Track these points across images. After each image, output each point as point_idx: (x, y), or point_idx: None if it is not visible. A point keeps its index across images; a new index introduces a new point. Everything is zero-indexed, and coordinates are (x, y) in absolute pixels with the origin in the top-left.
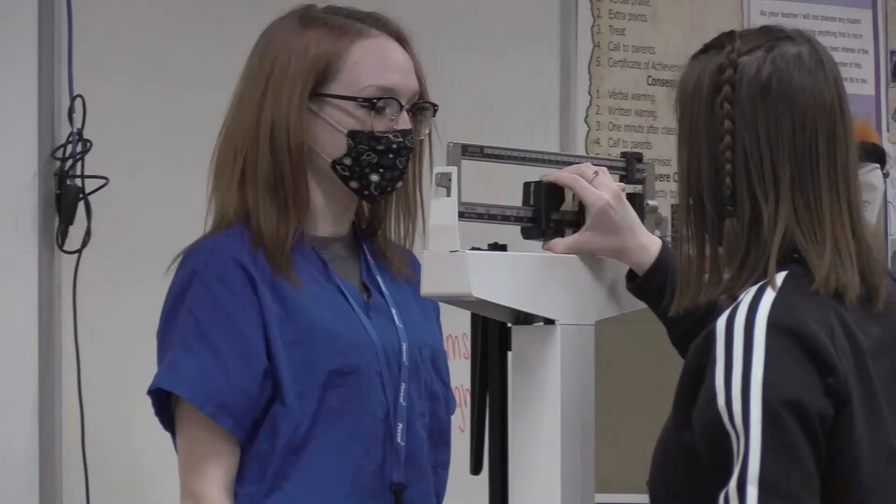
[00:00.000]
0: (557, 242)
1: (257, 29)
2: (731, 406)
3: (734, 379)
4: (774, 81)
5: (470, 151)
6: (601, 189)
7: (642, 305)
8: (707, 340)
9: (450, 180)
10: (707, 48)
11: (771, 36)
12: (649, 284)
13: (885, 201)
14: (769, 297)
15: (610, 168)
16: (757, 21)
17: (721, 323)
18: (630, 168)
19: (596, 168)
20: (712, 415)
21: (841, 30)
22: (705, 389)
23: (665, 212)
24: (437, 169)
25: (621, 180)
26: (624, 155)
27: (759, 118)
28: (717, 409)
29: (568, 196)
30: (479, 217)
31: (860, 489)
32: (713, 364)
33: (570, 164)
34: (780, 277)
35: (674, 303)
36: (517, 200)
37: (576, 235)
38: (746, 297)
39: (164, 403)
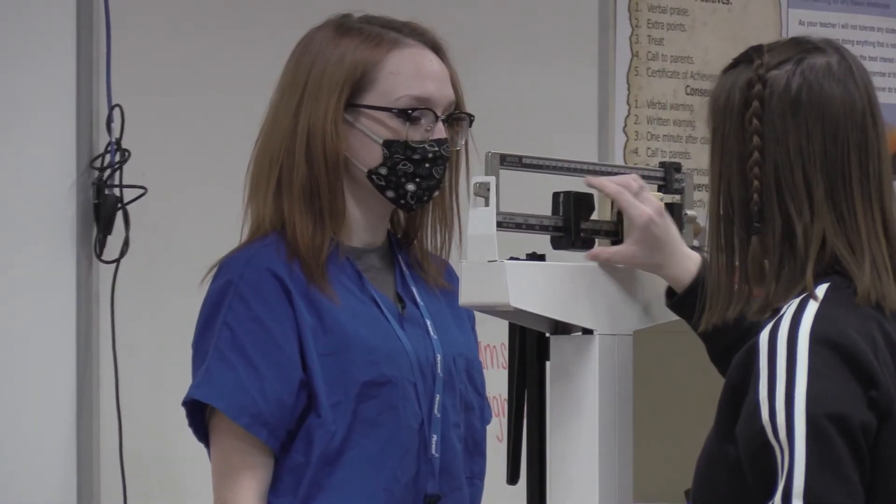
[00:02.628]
0: (601, 252)
1: (294, 37)
2: (774, 420)
3: (778, 392)
4: (804, 94)
5: (508, 161)
6: (645, 204)
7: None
8: (750, 354)
9: (488, 190)
10: (736, 62)
11: (799, 48)
12: (688, 301)
13: None
14: (812, 309)
15: (648, 178)
16: (795, 31)
17: (764, 336)
18: (668, 178)
19: (641, 183)
20: (756, 429)
21: (879, 39)
22: (748, 403)
23: (703, 222)
24: (476, 179)
25: (659, 190)
26: (662, 165)
27: (790, 132)
28: (761, 422)
29: (603, 205)
30: (518, 227)
31: None
32: (756, 378)
33: (608, 174)
34: (821, 290)
35: (703, 319)
36: (548, 209)
37: (619, 247)
38: (789, 311)
39: (199, 414)
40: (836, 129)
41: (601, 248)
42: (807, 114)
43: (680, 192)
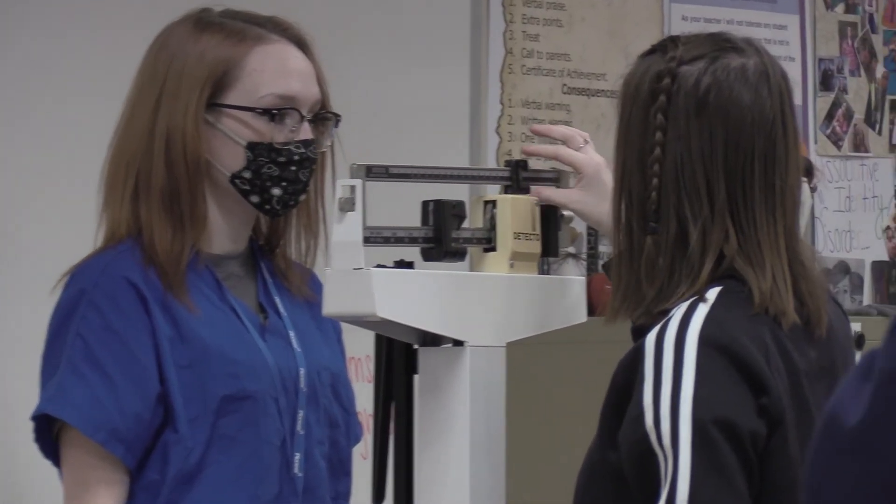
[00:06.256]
0: (545, 190)
1: (150, 33)
2: (659, 425)
3: (663, 397)
4: (712, 95)
5: (374, 172)
6: (592, 155)
7: (555, 326)
8: (635, 356)
9: (354, 194)
10: (654, 49)
11: (716, 45)
12: None
13: (813, 217)
14: (702, 312)
15: (495, 179)
16: (678, 26)
17: (651, 338)
18: (515, 177)
19: (586, 137)
20: (639, 434)
21: (767, 36)
22: (632, 407)
23: (581, 227)
24: (341, 182)
25: (507, 190)
26: (508, 164)
27: (692, 133)
28: (645, 428)
29: (475, 214)
30: (386, 241)
31: None
32: (641, 381)
33: (482, 178)
34: (713, 293)
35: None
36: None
37: (569, 190)
38: (678, 313)
39: (46, 429)
40: (740, 135)
41: (548, 188)
42: (711, 116)
43: (526, 191)
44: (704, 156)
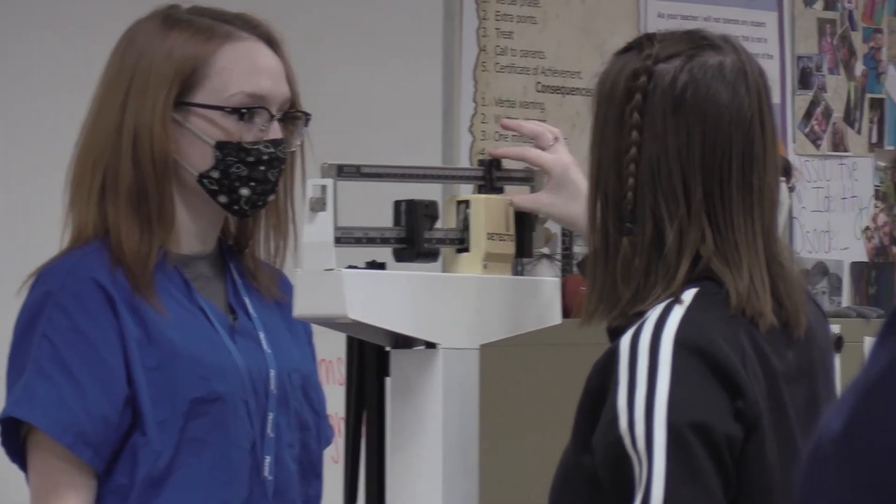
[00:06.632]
0: (516, 196)
1: (117, 29)
2: (633, 429)
3: (637, 400)
4: (689, 94)
5: (346, 172)
6: (561, 154)
7: (529, 328)
8: (609, 359)
9: (325, 194)
10: (629, 47)
11: (693, 43)
12: None
13: (791, 217)
14: (677, 313)
15: (468, 178)
16: (654, 24)
17: (625, 341)
18: (488, 176)
19: (557, 134)
20: (613, 438)
21: (744, 33)
22: (607, 411)
23: (555, 227)
24: (312, 181)
25: (480, 190)
26: (481, 163)
27: (669, 132)
28: (619, 431)
29: (448, 214)
30: (357, 241)
31: None
32: (616, 384)
33: (455, 177)
34: (689, 294)
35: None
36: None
37: (537, 194)
38: (653, 314)
39: (13, 433)
40: (717, 133)
41: (518, 194)
42: (688, 114)
43: (500, 190)
44: (681, 155)
